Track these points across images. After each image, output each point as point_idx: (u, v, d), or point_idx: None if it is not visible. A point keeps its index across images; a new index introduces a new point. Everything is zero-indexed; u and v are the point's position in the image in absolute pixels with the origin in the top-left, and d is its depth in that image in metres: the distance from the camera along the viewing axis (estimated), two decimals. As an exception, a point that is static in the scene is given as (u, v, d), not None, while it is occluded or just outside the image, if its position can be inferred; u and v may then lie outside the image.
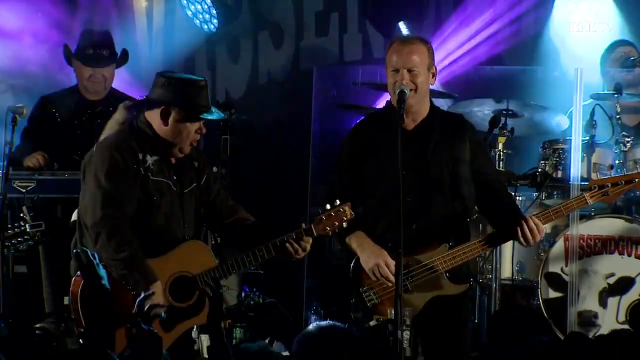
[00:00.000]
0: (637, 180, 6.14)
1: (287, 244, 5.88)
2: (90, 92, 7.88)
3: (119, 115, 6.18)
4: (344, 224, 5.88)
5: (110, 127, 6.17)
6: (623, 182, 6.11)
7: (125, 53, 8.05)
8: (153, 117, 5.96)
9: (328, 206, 5.87)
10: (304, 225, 5.90)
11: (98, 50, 7.85)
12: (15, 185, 7.25)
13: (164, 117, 5.93)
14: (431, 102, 6.17)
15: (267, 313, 7.91)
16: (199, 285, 5.86)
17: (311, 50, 9.85)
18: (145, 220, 5.89)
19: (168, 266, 5.86)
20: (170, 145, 5.96)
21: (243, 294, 8.04)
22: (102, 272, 5.48)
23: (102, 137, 6.18)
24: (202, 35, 9.72)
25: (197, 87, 5.99)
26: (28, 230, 6.34)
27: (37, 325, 6.59)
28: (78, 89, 7.94)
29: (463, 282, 6.02)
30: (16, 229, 6.37)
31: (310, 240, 5.92)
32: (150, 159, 5.93)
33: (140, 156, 5.90)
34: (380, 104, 8.26)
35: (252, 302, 7.98)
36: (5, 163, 6.46)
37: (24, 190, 7.28)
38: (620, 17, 9.32)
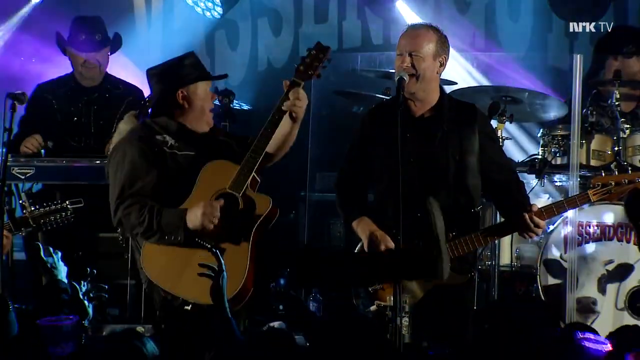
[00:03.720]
0: (639, 179, 6.18)
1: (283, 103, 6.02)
2: (86, 77, 7.90)
3: (127, 125, 6.24)
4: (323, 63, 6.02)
5: (120, 132, 6.24)
6: (626, 182, 6.15)
7: (117, 37, 8.05)
8: (166, 110, 6.13)
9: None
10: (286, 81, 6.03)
11: (90, 35, 7.86)
12: (13, 172, 7.26)
13: (174, 104, 6.10)
14: (442, 89, 6.17)
15: (290, 307, 7.89)
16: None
17: (310, 37, 9.83)
18: (182, 193, 5.98)
19: (202, 194, 5.95)
20: (189, 123, 6.12)
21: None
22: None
23: (113, 141, 6.30)
24: (201, 22, 9.70)
25: (180, 64, 6.13)
26: (68, 206, 6.41)
27: None
28: (73, 76, 7.95)
29: (464, 272, 6.04)
30: (50, 206, 6.42)
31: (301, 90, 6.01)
32: (170, 139, 6.07)
33: (160, 137, 6.05)
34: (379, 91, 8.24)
35: (278, 291, 7.94)
36: (4, 150, 6.46)
37: (22, 177, 7.28)
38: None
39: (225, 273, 5.33)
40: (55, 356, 4.98)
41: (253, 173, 5.96)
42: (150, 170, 5.99)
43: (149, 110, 6.21)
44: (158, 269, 5.93)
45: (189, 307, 5.84)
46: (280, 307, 7.69)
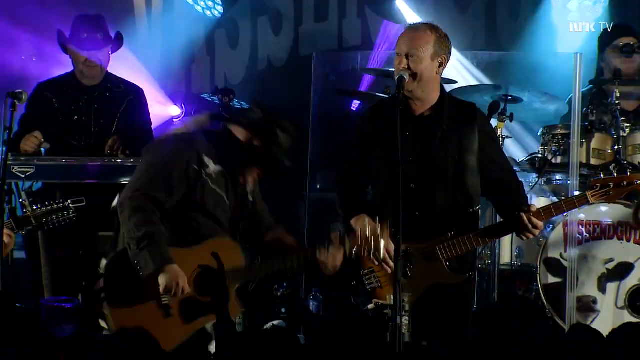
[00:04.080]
0: (638, 182, 6.17)
1: (319, 251, 5.93)
2: (87, 76, 7.88)
3: (202, 118, 6.19)
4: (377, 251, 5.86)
5: (188, 125, 6.19)
6: (625, 183, 6.15)
7: (119, 36, 8.04)
8: (238, 132, 6.04)
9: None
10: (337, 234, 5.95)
11: (92, 34, 7.85)
12: (14, 170, 7.25)
13: (247, 141, 6.00)
14: (442, 89, 6.16)
15: (292, 309, 7.89)
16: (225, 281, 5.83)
17: (310, 35, 9.84)
18: (195, 223, 5.93)
19: (196, 257, 5.85)
20: (240, 165, 6.05)
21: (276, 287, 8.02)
22: None
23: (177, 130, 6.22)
24: (201, 20, 9.71)
25: (285, 130, 6.03)
26: (71, 206, 6.41)
27: None
28: (74, 74, 7.94)
29: (463, 272, 6.05)
30: (53, 205, 6.42)
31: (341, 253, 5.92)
32: (213, 167, 5.99)
33: (205, 159, 5.96)
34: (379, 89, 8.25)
35: (282, 295, 7.94)
36: (4, 149, 6.46)
37: (23, 176, 7.28)
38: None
39: (224, 275, 5.34)
40: (55, 337, 5.00)
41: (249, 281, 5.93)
42: (181, 182, 5.90)
43: (219, 123, 6.16)
44: (117, 282, 5.85)
45: (106, 331, 5.79)
46: (283, 310, 7.70)
